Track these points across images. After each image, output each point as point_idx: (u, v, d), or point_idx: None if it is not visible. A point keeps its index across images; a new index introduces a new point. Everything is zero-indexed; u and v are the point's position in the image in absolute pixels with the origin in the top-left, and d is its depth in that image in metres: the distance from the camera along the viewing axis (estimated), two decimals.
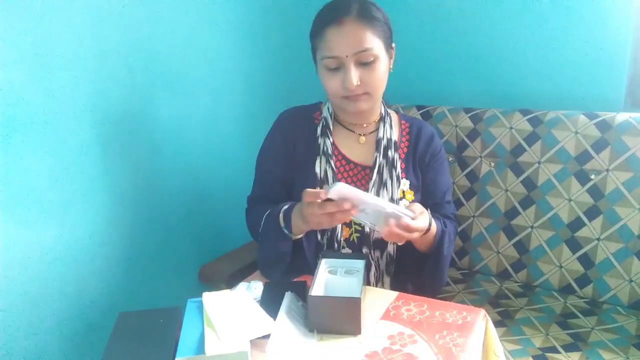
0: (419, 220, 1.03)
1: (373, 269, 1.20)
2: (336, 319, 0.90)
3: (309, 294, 0.92)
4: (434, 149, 1.26)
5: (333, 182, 1.16)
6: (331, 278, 1.01)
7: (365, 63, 1.09)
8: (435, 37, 1.83)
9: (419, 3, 1.82)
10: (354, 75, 1.09)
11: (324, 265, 1.04)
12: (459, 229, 1.68)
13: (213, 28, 1.58)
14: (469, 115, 1.66)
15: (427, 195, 1.24)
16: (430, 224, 1.09)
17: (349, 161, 1.22)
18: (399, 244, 1.06)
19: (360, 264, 1.04)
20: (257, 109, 1.75)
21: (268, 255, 1.16)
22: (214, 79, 1.62)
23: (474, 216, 1.66)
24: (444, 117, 1.70)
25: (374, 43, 1.09)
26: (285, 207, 1.11)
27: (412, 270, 1.22)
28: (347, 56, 1.08)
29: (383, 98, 1.23)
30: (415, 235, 1.03)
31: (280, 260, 1.14)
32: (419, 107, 1.77)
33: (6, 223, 1.11)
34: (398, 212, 1.00)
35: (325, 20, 1.09)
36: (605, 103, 1.56)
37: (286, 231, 1.10)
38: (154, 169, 1.45)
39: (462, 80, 1.82)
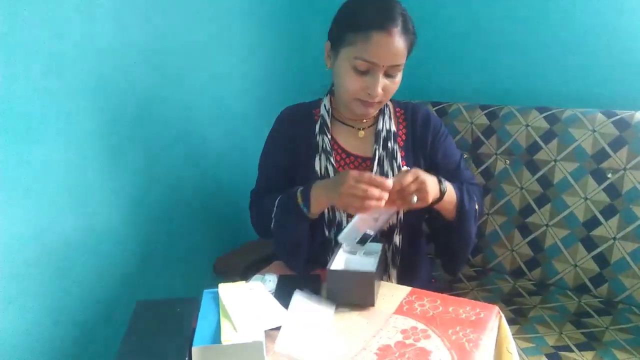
0: (400, 174, 1.03)
1: None
2: (352, 291, 0.99)
3: (328, 267, 1.00)
4: (434, 129, 1.26)
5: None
6: (351, 257, 1.09)
7: (391, 75, 1.12)
8: (452, 33, 1.82)
9: None
10: (381, 84, 1.10)
11: (346, 246, 1.10)
12: None
13: (228, 23, 1.59)
14: (485, 112, 1.66)
15: (442, 171, 1.23)
16: (443, 189, 1.10)
17: (348, 154, 1.22)
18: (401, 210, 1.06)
19: (379, 247, 1.10)
20: (272, 103, 1.75)
21: (285, 240, 1.15)
22: (231, 73, 1.63)
23: (488, 214, 1.65)
24: (460, 113, 1.70)
25: (405, 56, 1.12)
26: (301, 187, 1.12)
27: (440, 236, 1.24)
28: (383, 66, 1.09)
29: None
30: (407, 181, 1.01)
31: (298, 242, 1.13)
32: (434, 104, 1.76)
33: (27, 214, 1.13)
34: None
35: (372, 23, 1.07)
36: (623, 101, 1.54)
37: (305, 209, 1.09)
38: (171, 162, 1.46)
39: (478, 76, 1.81)
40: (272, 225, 1.17)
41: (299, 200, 1.10)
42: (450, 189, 1.13)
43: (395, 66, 1.10)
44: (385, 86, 1.12)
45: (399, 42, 1.08)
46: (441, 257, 1.29)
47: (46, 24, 1.12)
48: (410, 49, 1.13)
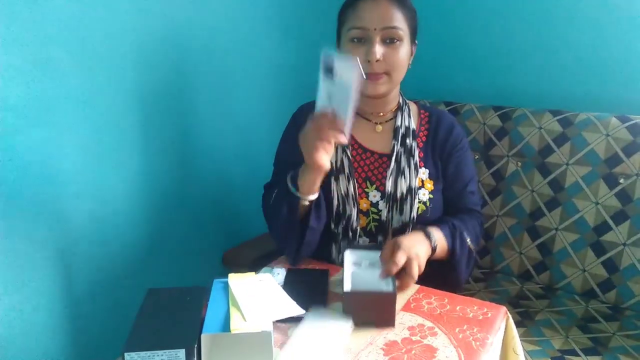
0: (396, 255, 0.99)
1: None
2: (372, 313, 0.91)
3: (344, 290, 0.92)
4: (454, 139, 1.24)
5: (349, 171, 1.17)
6: (357, 271, 1.02)
7: (391, 41, 1.11)
8: (466, 33, 1.82)
9: None
10: (378, 49, 1.10)
11: (349, 258, 1.05)
12: None
13: (246, 21, 1.60)
14: (498, 113, 1.65)
15: (448, 186, 1.23)
16: (432, 243, 1.08)
17: (365, 149, 1.22)
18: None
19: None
20: (285, 100, 1.76)
21: (277, 223, 1.13)
22: (247, 69, 1.64)
23: (497, 215, 1.65)
24: (472, 114, 1.69)
25: (402, 24, 1.12)
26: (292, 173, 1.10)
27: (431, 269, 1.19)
28: (375, 29, 1.10)
29: (404, 90, 1.24)
30: (402, 260, 0.99)
31: (289, 225, 1.10)
32: (447, 103, 1.76)
33: (44, 198, 1.15)
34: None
35: None
36: (638, 106, 1.53)
37: (293, 189, 1.07)
38: (184, 153, 1.47)
39: (492, 77, 1.81)
40: (271, 212, 1.16)
41: (289, 182, 1.09)
42: (441, 243, 1.11)
43: (389, 29, 1.10)
44: (386, 54, 1.11)
45: (386, 5, 1.10)
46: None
47: (72, 9, 1.13)
48: (408, 18, 1.13)
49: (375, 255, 1.06)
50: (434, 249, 1.08)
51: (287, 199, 1.09)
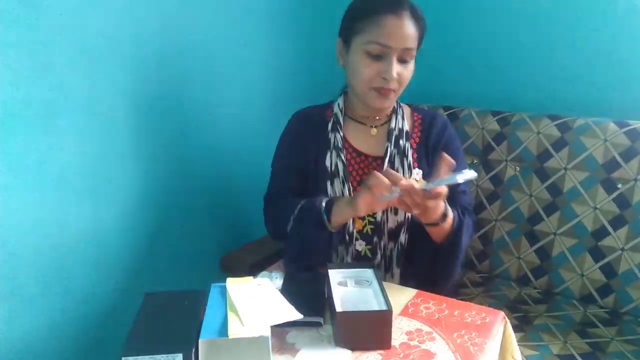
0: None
1: (381, 258, 1.21)
2: (367, 333, 0.88)
3: (337, 310, 0.88)
4: (447, 138, 1.26)
5: (344, 175, 1.18)
6: (344, 290, 0.97)
7: (404, 61, 1.13)
8: (465, 38, 1.82)
9: (449, 3, 1.82)
10: (396, 68, 1.11)
11: (333, 277, 1.01)
12: (480, 232, 1.67)
13: (243, 25, 1.60)
14: (496, 118, 1.65)
15: None
16: (446, 212, 1.09)
17: (359, 153, 1.23)
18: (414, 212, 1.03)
19: (369, 273, 1.03)
20: (284, 104, 1.76)
21: (299, 247, 1.14)
22: (245, 71, 1.64)
23: (496, 220, 1.65)
24: (471, 119, 1.69)
25: (415, 43, 1.13)
26: (327, 199, 1.13)
27: (423, 262, 1.20)
28: (395, 48, 1.10)
29: (402, 94, 1.24)
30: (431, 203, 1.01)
31: (311, 252, 1.12)
32: (445, 108, 1.76)
33: (43, 202, 1.15)
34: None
35: (382, 7, 1.11)
36: (636, 111, 1.54)
37: (324, 217, 1.09)
38: (183, 157, 1.47)
39: (491, 82, 1.81)
40: (288, 228, 1.16)
41: (323, 213, 1.10)
42: (450, 217, 1.11)
43: (407, 50, 1.12)
44: (400, 72, 1.13)
45: (409, 25, 1.11)
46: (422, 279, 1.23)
47: (70, 15, 1.13)
48: (421, 35, 1.15)
49: (359, 273, 1.03)
50: (444, 217, 1.08)
51: (315, 226, 1.11)
